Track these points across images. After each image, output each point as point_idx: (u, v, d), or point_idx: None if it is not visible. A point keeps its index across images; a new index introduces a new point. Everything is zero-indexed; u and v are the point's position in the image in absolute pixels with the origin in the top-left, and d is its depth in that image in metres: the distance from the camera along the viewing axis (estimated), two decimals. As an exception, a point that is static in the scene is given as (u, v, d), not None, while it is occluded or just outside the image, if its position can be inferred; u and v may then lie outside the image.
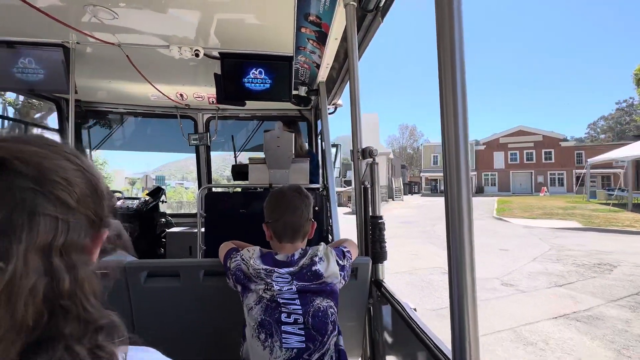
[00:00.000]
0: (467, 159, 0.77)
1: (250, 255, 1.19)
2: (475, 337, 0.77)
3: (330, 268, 1.18)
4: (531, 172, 41.23)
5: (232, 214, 2.40)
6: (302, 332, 1.11)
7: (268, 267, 1.15)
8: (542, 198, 29.35)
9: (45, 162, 0.41)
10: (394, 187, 33.29)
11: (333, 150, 3.03)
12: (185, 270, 1.37)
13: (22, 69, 2.04)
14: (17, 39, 1.98)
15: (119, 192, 4.09)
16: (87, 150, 3.33)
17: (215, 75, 2.33)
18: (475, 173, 42.59)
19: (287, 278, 1.14)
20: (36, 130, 2.96)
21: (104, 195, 0.48)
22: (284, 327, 1.11)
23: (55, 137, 3.08)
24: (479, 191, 42.56)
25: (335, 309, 1.20)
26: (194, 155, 3.67)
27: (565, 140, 41.23)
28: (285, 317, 1.11)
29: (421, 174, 48.42)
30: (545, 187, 37.21)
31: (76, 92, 2.22)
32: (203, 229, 2.46)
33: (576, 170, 38.38)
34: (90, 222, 0.45)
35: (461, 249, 0.75)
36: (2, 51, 1.99)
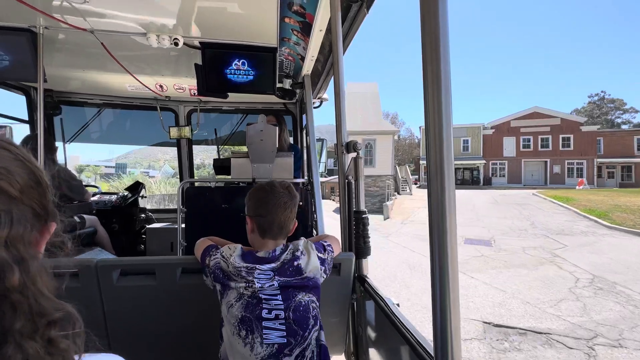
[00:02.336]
0: (451, 151, 0.76)
1: (231, 253, 1.16)
2: (457, 333, 0.76)
3: (311, 262, 1.18)
4: (546, 161, 34.91)
5: (213, 209, 2.34)
6: (283, 327, 1.10)
7: (249, 265, 1.12)
8: (594, 192, 22.99)
9: None
10: (399, 176, 26.25)
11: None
12: (161, 268, 1.32)
13: None
14: None
15: (95, 186, 3.93)
16: (60, 143, 3.17)
17: (196, 65, 2.25)
18: (483, 162, 35.80)
19: (269, 274, 1.12)
20: (2, 121, 2.79)
21: (47, 187, 0.46)
22: (264, 323, 1.09)
23: (25, 129, 2.92)
24: (486, 183, 35.63)
25: (317, 304, 1.19)
26: (163, 142, 3.57)
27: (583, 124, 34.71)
28: (266, 313, 1.10)
29: (420, 162, 39.06)
30: (583, 179, 31.25)
31: (46, 81, 2.09)
32: (184, 225, 2.39)
33: (598, 160, 33.40)
34: (36, 215, 0.43)
35: (443, 246, 0.74)
36: None
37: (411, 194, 25.85)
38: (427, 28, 0.76)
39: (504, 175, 36.44)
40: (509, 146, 36.07)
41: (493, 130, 36.70)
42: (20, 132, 2.90)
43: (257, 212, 1.20)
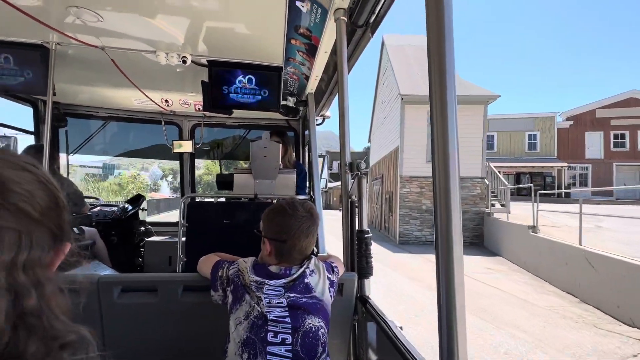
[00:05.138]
0: (456, 162, 0.76)
1: (246, 266, 1.16)
2: (464, 357, 0.75)
3: (320, 282, 1.16)
4: (648, 165, 23.48)
5: (215, 224, 2.33)
6: (290, 355, 1.04)
7: (259, 279, 1.11)
8: None
9: (6, 172, 0.39)
10: (485, 182, 13.67)
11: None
12: (163, 285, 1.31)
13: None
14: None
15: (96, 198, 3.93)
16: (64, 155, 3.19)
17: (203, 82, 2.29)
18: (561, 164, 23.45)
19: (280, 291, 1.10)
20: (9, 132, 2.82)
21: (65, 207, 0.47)
22: (269, 348, 1.04)
23: (30, 140, 2.94)
24: (564, 194, 21.29)
25: (326, 330, 1.15)
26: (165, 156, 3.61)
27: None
28: (271, 337, 1.05)
29: (490, 164, 15.52)
30: None
31: (54, 94, 2.13)
32: (184, 239, 2.37)
33: None
34: (53, 236, 0.43)
35: (449, 264, 0.74)
36: None
37: (509, 213, 12.10)
38: (432, 31, 0.77)
39: (585, 184, 24.99)
40: (594, 144, 25.14)
41: (571, 122, 25.60)
42: (24, 143, 2.91)
43: (277, 237, 1.16)
